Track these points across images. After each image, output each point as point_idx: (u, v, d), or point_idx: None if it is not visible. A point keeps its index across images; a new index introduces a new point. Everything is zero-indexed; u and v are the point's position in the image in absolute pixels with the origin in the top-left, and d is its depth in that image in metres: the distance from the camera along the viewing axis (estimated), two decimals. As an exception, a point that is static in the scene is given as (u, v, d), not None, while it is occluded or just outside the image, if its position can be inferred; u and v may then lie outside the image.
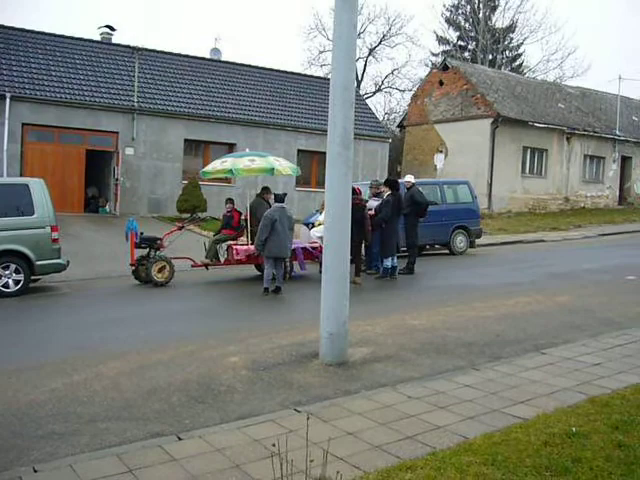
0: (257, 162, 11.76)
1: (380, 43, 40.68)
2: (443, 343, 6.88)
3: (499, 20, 42.70)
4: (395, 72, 44.36)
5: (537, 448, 3.89)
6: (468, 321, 7.97)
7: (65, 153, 20.00)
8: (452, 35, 43.76)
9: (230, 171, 11.61)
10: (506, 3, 42.01)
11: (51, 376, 5.76)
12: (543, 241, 19.57)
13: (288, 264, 11.47)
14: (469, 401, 4.89)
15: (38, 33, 21.60)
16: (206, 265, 11.92)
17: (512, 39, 43.26)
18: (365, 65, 40.82)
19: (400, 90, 42.33)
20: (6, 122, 18.45)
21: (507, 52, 43.55)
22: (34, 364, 6.19)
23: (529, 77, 37.31)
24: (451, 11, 43.50)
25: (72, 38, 22.27)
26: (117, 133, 20.58)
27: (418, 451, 3.93)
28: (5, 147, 18.54)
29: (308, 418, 3.90)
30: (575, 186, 28.98)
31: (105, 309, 9.41)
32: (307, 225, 13.45)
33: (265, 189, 12.62)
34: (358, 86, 37.46)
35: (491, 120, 25.70)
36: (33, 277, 10.77)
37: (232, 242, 12.24)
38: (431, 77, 29.74)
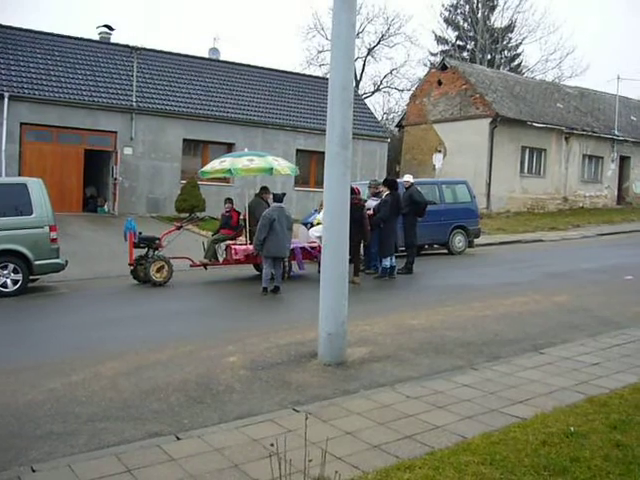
0: (256, 162, 11.75)
1: (379, 43, 40.72)
2: (442, 343, 6.89)
3: (498, 20, 42.82)
4: (394, 72, 44.48)
5: (535, 448, 3.89)
6: (467, 321, 7.98)
7: (64, 153, 19.96)
8: (451, 35, 43.86)
9: (229, 171, 11.59)
10: (505, 3, 41.94)
11: (49, 376, 5.75)
12: (542, 241, 19.59)
13: (287, 264, 11.48)
14: (467, 401, 4.90)
15: (36, 32, 21.54)
16: (205, 265, 11.92)
17: (511, 39, 43.34)
18: (364, 65, 40.88)
19: (399, 90, 42.38)
20: (4, 122, 18.43)
21: (506, 52, 43.59)
22: (32, 364, 6.18)
23: (528, 77, 37.32)
24: (450, 11, 43.54)
25: (70, 38, 22.24)
26: (116, 133, 20.54)
27: (417, 451, 3.93)
28: (3, 147, 18.51)
29: (307, 418, 3.89)
30: (574, 186, 29.00)
31: (103, 309, 9.40)
32: (305, 224, 13.44)
33: (264, 189, 12.62)
34: (357, 86, 37.47)
35: (490, 120, 25.70)
36: (31, 277, 10.76)
37: (231, 242, 12.23)
38: (430, 77, 29.73)
